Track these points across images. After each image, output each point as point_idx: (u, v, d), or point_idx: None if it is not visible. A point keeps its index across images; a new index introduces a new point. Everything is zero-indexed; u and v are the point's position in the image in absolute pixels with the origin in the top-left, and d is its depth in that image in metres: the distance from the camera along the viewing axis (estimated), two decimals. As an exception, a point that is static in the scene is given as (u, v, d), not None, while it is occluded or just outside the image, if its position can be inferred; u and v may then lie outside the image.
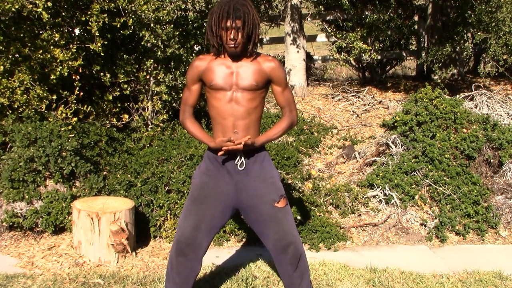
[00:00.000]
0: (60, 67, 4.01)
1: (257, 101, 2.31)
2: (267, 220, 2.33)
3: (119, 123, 4.59)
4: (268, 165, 2.39)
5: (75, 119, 4.16)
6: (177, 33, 4.60)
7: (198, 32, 5.11)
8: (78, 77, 4.20)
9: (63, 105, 4.17)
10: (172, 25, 4.56)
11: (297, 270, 2.41)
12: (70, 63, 4.04)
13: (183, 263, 2.37)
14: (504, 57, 5.46)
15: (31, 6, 3.73)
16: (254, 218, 2.38)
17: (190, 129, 2.38)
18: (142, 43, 4.56)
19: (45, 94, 4.02)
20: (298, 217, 3.82)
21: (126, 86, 4.49)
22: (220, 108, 2.29)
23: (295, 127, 5.24)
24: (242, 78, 2.26)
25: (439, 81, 6.41)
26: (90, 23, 4.03)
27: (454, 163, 4.25)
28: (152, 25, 4.29)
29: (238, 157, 2.32)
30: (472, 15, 5.41)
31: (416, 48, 7.32)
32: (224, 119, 2.29)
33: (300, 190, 4.17)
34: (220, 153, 2.26)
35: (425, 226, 3.97)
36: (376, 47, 6.29)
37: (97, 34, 4.04)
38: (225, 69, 2.27)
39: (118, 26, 4.17)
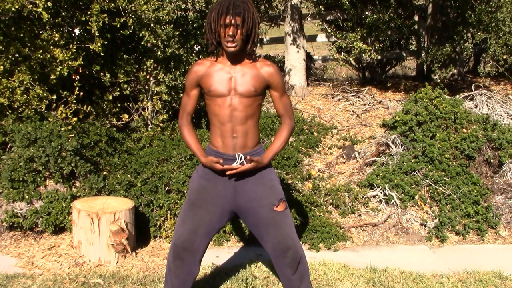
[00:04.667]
0: (60, 67, 4.01)
1: (255, 107, 2.29)
2: (266, 224, 2.32)
3: (119, 123, 4.59)
4: (267, 168, 2.37)
5: (75, 119, 4.16)
6: (177, 33, 4.60)
7: (198, 32, 5.11)
8: (78, 77, 4.20)
9: (63, 105, 4.17)
10: (172, 25, 4.56)
11: (296, 273, 2.39)
12: (70, 63, 4.04)
13: (181, 266, 2.36)
14: (504, 57, 5.46)
15: (31, 6, 3.73)
16: (252, 222, 2.36)
17: (186, 138, 2.37)
18: (142, 43, 4.56)
19: (45, 94, 4.02)
20: (298, 218, 3.82)
21: (126, 86, 4.49)
22: (218, 114, 2.26)
23: (295, 127, 5.24)
24: (240, 84, 2.24)
25: (439, 81, 6.40)
26: (90, 23, 4.03)
27: (454, 163, 4.25)
28: (152, 25, 4.29)
29: (238, 159, 2.30)
30: (472, 15, 5.41)
31: (416, 48, 7.31)
32: (223, 124, 2.27)
33: (300, 190, 4.17)
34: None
35: (425, 226, 3.97)
36: (376, 47, 6.29)
37: (97, 34, 4.04)
38: (223, 74, 2.25)
39: (118, 26, 4.17)
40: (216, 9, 2.17)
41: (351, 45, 6.13)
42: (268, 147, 2.36)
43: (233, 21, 2.13)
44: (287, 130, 2.37)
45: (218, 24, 2.17)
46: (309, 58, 7.54)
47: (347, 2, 6.10)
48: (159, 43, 4.40)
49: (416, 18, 7.28)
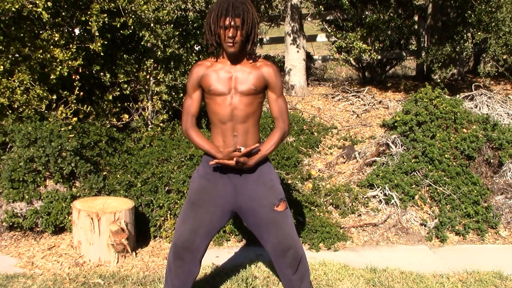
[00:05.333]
0: (60, 67, 4.01)
1: (256, 105, 2.30)
2: (266, 223, 2.32)
3: (119, 123, 4.59)
4: (267, 168, 2.37)
5: (75, 119, 4.16)
6: (177, 33, 4.60)
7: (198, 32, 5.11)
8: (78, 77, 4.20)
9: (63, 105, 4.17)
10: (172, 25, 4.56)
11: (296, 272, 2.40)
12: (70, 63, 4.04)
13: (181, 266, 2.36)
14: (504, 57, 5.46)
15: (31, 6, 3.73)
16: (253, 222, 2.36)
17: (195, 140, 2.32)
18: (142, 43, 4.56)
19: (45, 94, 4.02)
20: (298, 218, 3.82)
21: (126, 86, 4.49)
22: (219, 112, 2.27)
23: (295, 127, 5.24)
24: (240, 82, 2.25)
25: (439, 81, 6.40)
26: (90, 23, 4.03)
27: (454, 163, 4.25)
28: (152, 25, 4.29)
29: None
30: (472, 15, 5.41)
31: (416, 48, 7.32)
32: (223, 123, 2.27)
33: (300, 190, 4.17)
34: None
35: (425, 226, 3.98)
36: (376, 47, 6.29)
37: (97, 34, 4.04)
38: (223, 73, 2.25)
39: (118, 26, 4.17)
40: (215, 10, 2.17)
41: (351, 45, 6.13)
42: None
43: (232, 23, 2.13)
44: (279, 134, 2.34)
45: (218, 26, 2.17)
46: (309, 58, 7.54)
47: (347, 2, 6.10)
48: (159, 43, 4.40)
49: (416, 18, 7.28)
